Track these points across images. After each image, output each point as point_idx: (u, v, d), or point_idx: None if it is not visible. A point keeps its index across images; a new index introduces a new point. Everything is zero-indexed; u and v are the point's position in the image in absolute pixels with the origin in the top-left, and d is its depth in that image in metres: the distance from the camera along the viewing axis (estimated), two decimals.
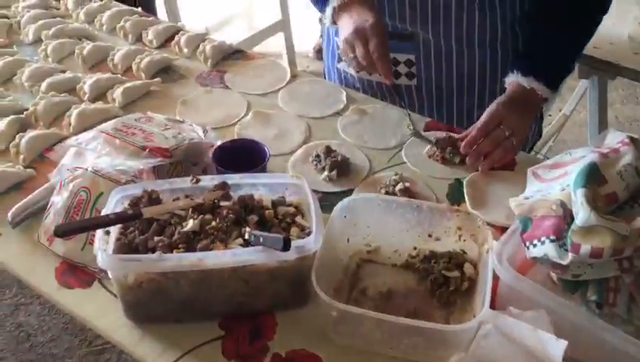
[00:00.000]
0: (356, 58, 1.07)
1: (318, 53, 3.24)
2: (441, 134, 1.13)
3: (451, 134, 1.12)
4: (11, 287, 2.05)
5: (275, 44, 3.13)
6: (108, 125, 1.00)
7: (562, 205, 0.75)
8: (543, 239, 0.73)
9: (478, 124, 1.05)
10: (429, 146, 1.12)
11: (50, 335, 1.92)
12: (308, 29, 3.29)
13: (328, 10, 1.12)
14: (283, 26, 3.01)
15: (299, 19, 3.12)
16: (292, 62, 3.13)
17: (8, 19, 1.51)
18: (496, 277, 0.76)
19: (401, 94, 1.24)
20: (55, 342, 1.90)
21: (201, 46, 1.40)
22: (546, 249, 0.73)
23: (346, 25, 1.08)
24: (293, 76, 1.34)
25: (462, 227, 0.87)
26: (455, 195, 1.02)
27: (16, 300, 2.01)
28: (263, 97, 1.28)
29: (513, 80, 1.09)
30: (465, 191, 1.02)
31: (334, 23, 1.13)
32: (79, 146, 0.95)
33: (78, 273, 0.90)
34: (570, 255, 0.70)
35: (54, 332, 1.93)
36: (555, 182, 0.80)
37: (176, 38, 1.43)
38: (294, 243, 0.76)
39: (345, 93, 1.27)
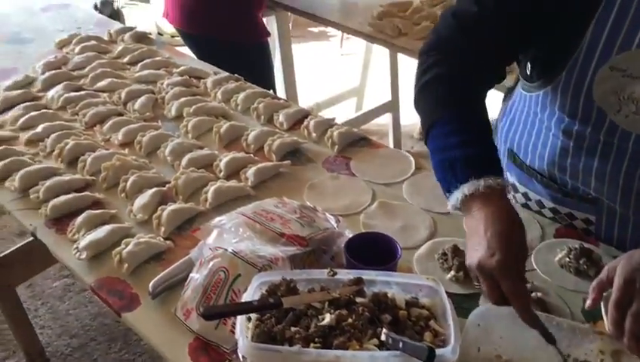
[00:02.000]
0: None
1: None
2: (574, 243, 1.10)
3: (585, 244, 1.09)
4: (117, 341, 2.13)
5: (381, 122, 3.21)
6: (248, 208, 1.05)
7: None
8: None
9: (617, 282, 0.81)
10: (561, 254, 1.08)
11: None
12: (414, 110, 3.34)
13: (457, 195, 0.89)
14: (392, 106, 3.08)
15: (406, 99, 3.18)
16: (397, 142, 3.17)
17: (154, 94, 1.64)
18: None
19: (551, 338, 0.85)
20: None
21: (329, 131, 1.46)
22: None
23: (471, 237, 0.86)
24: (418, 168, 1.36)
25: (604, 351, 0.82)
26: (591, 311, 0.98)
27: (120, 355, 2.09)
28: (387, 187, 1.30)
29: None
30: (602, 309, 0.97)
31: (459, 209, 0.90)
32: (222, 227, 1.00)
33: (211, 351, 0.93)
34: None
35: None
36: None
37: (306, 121, 1.50)
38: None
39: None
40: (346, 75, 3.63)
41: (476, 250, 0.83)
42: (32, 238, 1.21)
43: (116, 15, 4.29)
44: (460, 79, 0.99)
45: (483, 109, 0.99)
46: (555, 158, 1.11)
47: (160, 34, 4.34)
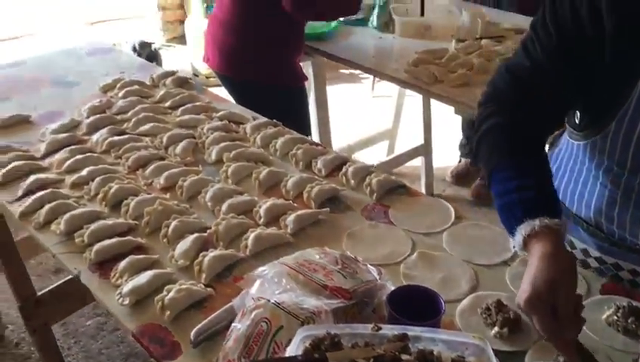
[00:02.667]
0: None
1: (455, 178, 3.27)
2: (622, 300, 1.07)
3: (633, 302, 1.06)
4: None
5: (413, 164, 3.21)
6: (290, 258, 1.06)
7: None
8: None
9: None
10: (608, 312, 1.06)
11: None
12: (447, 151, 3.35)
13: (518, 236, 0.94)
14: (424, 150, 3.08)
15: (438, 141, 3.19)
16: (430, 186, 3.17)
17: (195, 138, 1.67)
18: None
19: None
20: None
21: (367, 178, 1.47)
22: None
23: (524, 279, 0.88)
24: (458, 218, 1.35)
25: None
26: None
27: None
28: (427, 237, 1.30)
29: None
30: None
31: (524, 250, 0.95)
32: (265, 277, 1.01)
33: None
34: None
35: None
36: None
37: (344, 168, 1.51)
38: None
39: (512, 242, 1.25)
40: (378, 117, 3.66)
41: (527, 286, 0.86)
42: (69, 277, 1.23)
43: (154, 56, 4.43)
44: (515, 128, 1.03)
45: (539, 155, 1.04)
46: (602, 207, 1.11)
47: (195, 75, 4.45)
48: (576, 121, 1.08)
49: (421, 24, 2.38)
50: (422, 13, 2.46)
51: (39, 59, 2.24)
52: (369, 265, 1.09)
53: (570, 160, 1.18)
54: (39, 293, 1.94)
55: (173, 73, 2.07)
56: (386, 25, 2.45)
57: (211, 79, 4.14)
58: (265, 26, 2.10)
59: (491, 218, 1.18)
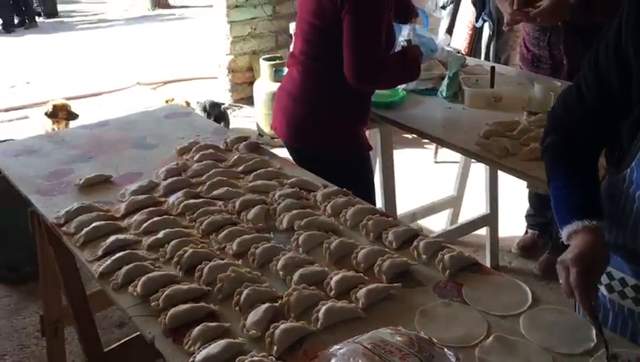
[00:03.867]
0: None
1: (522, 250, 3.17)
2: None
3: None
4: None
5: (478, 233, 3.14)
6: (365, 338, 1.04)
7: None
8: None
9: None
10: None
11: None
12: (513, 222, 3.27)
13: (564, 232, 1.21)
14: (490, 219, 3.02)
15: (504, 211, 3.12)
16: (494, 257, 3.09)
17: (266, 204, 1.70)
18: None
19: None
20: None
21: (439, 254, 1.44)
22: None
23: (572, 246, 1.17)
24: (535, 301, 1.30)
25: None
26: None
27: None
28: (503, 319, 1.26)
29: None
30: None
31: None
32: (340, 356, 0.99)
33: None
34: None
35: None
36: None
37: (415, 242, 1.50)
38: None
39: (594, 331, 1.19)
40: (441, 184, 3.63)
41: (569, 252, 1.15)
42: (136, 334, 1.24)
43: (222, 116, 4.59)
44: (569, 144, 1.30)
45: (590, 165, 1.27)
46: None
47: (261, 135, 4.57)
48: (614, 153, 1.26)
49: (491, 95, 2.38)
50: (492, 85, 2.46)
51: (121, 120, 2.36)
52: (446, 349, 1.06)
53: (606, 187, 1.29)
54: (106, 349, 1.98)
55: (245, 138, 2.14)
56: (455, 95, 2.46)
57: (276, 140, 4.24)
58: (332, 99, 2.15)
59: (563, 297, 1.17)
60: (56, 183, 1.86)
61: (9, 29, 8.45)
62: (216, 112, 4.55)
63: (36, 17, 9.12)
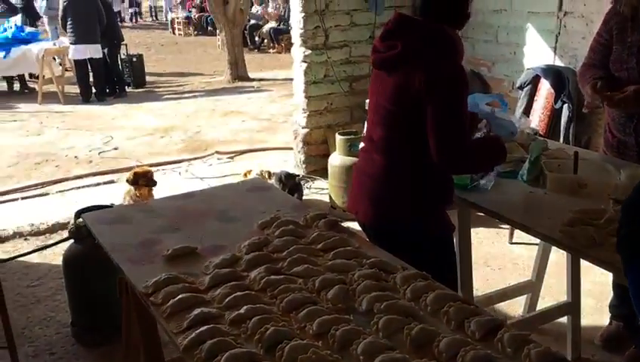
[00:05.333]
0: None
1: (606, 342, 2.99)
2: None
3: None
4: None
5: (558, 321, 3.00)
6: None
7: None
8: None
9: None
10: None
11: None
12: (596, 311, 3.11)
13: None
14: (571, 309, 2.89)
15: (587, 300, 2.98)
16: (576, 347, 2.92)
17: (345, 284, 1.71)
18: None
19: None
20: None
21: (525, 348, 1.39)
22: None
23: None
24: None
25: None
26: None
27: None
28: None
29: None
30: None
31: None
32: None
33: None
34: None
35: None
36: None
37: (499, 334, 1.46)
38: None
39: None
40: (517, 266, 3.53)
41: None
42: None
43: (297, 187, 4.69)
44: None
45: None
46: None
47: (333, 207, 4.62)
48: None
49: (576, 181, 2.33)
50: (575, 170, 2.41)
51: (206, 193, 2.47)
52: None
53: None
54: None
55: (324, 216, 2.18)
56: (536, 179, 2.43)
57: (348, 213, 4.28)
58: (416, 180, 2.14)
59: None
60: (145, 252, 1.94)
61: (101, 97, 9.07)
62: (290, 183, 4.66)
63: (126, 87, 9.77)
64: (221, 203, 2.34)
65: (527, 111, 4.14)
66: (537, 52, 4.49)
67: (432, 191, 2.19)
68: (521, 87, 4.28)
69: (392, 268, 1.81)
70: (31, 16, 10.37)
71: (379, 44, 2.17)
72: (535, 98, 4.17)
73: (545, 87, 4.12)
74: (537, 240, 3.05)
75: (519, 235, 4.03)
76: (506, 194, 2.40)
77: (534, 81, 4.20)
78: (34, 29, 9.83)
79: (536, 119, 4.05)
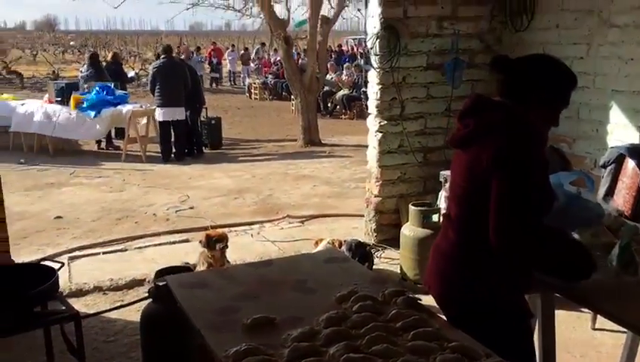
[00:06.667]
0: None
1: None
2: None
3: None
4: None
5: None
6: None
7: None
8: None
9: None
10: None
11: None
12: None
13: None
14: None
15: None
16: None
17: None
18: None
19: None
20: None
21: None
22: None
23: None
24: None
25: None
26: None
27: None
28: None
29: None
30: None
31: None
32: None
33: None
34: None
35: None
36: None
37: None
38: None
39: None
40: (601, 355, 3.32)
41: None
42: None
43: (367, 256, 4.67)
44: None
45: None
46: None
47: (404, 279, 4.55)
48: None
49: None
50: None
51: (284, 261, 2.50)
52: None
53: None
54: None
55: (403, 292, 2.15)
56: (626, 266, 2.32)
57: (419, 285, 4.20)
58: (490, 263, 2.05)
59: None
60: (225, 319, 1.97)
61: (180, 157, 9.49)
62: (360, 252, 4.64)
63: (203, 148, 10.19)
64: (299, 272, 2.36)
65: (610, 192, 3.99)
66: (621, 130, 4.38)
67: (506, 276, 2.07)
68: (604, 166, 4.15)
69: (475, 354, 1.75)
70: (121, 80, 11.10)
71: (457, 123, 2.19)
72: (620, 178, 4.03)
73: (630, 166, 3.97)
74: (624, 329, 2.88)
75: (602, 321, 3.82)
76: (593, 280, 2.29)
77: (619, 160, 4.06)
78: (123, 91, 10.50)
79: (621, 200, 3.89)
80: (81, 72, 11.09)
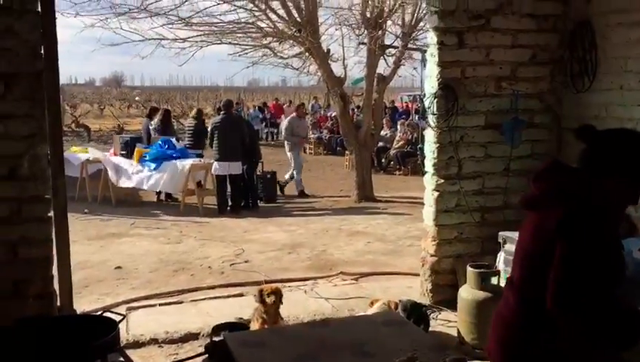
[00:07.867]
0: None
1: None
2: None
3: None
4: None
5: None
6: None
7: None
8: None
9: None
10: None
11: None
12: None
13: None
14: None
15: None
16: None
17: None
18: None
19: None
20: None
21: None
22: None
23: None
24: None
25: None
26: None
27: None
28: None
29: None
30: None
31: None
32: None
33: None
34: None
35: None
36: None
37: None
38: None
39: None
40: None
41: None
42: None
43: (423, 318, 4.55)
44: None
45: None
46: None
47: (462, 343, 4.41)
48: None
49: None
50: None
51: (341, 322, 2.48)
52: None
53: None
54: None
55: (463, 360, 2.09)
56: None
57: (478, 351, 4.06)
58: (547, 330, 1.97)
59: None
60: None
61: (236, 210, 9.66)
62: (416, 314, 4.53)
63: (258, 202, 10.35)
64: (356, 335, 2.33)
65: None
66: None
67: (568, 348, 1.97)
68: None
69: None
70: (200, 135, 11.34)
71: (531, 184, 2.16)
72: None
73: None
74: None
75: None
76: None
77: None
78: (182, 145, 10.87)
79: None
80: (151, 125, 11.54)
